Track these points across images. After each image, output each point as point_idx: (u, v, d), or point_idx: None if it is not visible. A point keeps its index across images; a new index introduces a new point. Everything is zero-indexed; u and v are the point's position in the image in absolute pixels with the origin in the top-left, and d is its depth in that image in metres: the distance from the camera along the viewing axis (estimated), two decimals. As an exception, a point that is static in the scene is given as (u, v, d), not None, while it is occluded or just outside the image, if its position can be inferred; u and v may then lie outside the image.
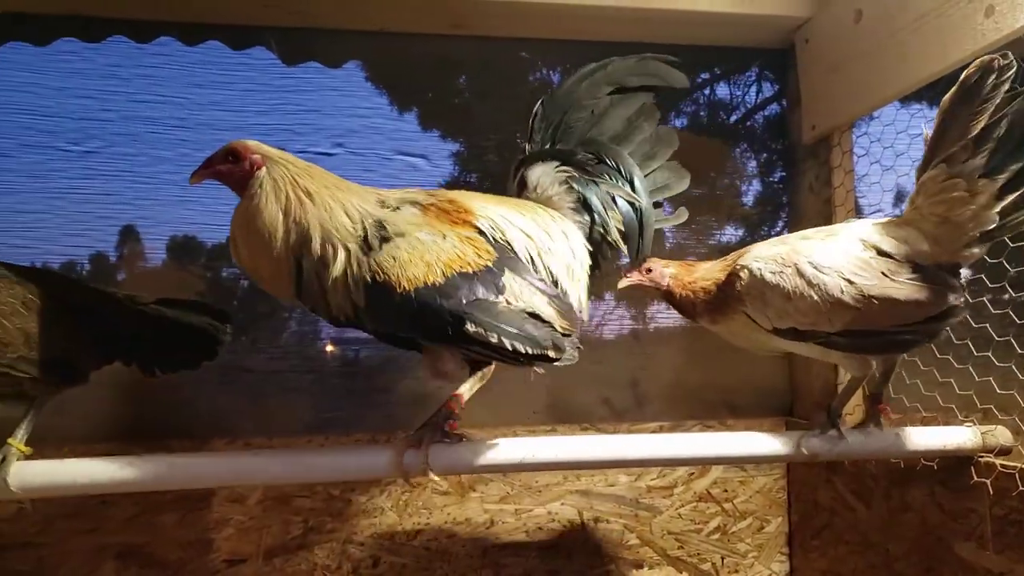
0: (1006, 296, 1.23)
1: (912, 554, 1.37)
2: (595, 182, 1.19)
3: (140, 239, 1.64)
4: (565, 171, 1.20)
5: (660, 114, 1.25)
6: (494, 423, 1.61)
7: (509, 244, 1.04)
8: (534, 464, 1.12)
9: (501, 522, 1.66)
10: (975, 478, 1.21)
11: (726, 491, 1.75)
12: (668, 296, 1.24)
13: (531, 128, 1.24)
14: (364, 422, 1.64)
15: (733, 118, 1.91)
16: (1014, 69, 0.97)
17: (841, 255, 1.09)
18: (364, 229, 0.97)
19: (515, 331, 0.94)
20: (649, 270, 1.23)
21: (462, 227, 1.02)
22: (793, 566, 1.75)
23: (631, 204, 1.19)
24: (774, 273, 1.10)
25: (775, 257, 1.12)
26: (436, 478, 1.05)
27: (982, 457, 1.22)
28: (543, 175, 1.20)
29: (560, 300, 1.03)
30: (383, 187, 1.08)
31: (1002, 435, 1.22)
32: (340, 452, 1.18)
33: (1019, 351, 1.19)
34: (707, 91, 1.90)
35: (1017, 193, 1.01)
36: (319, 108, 1.71)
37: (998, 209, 1.02)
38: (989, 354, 1.24)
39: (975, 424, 1.25)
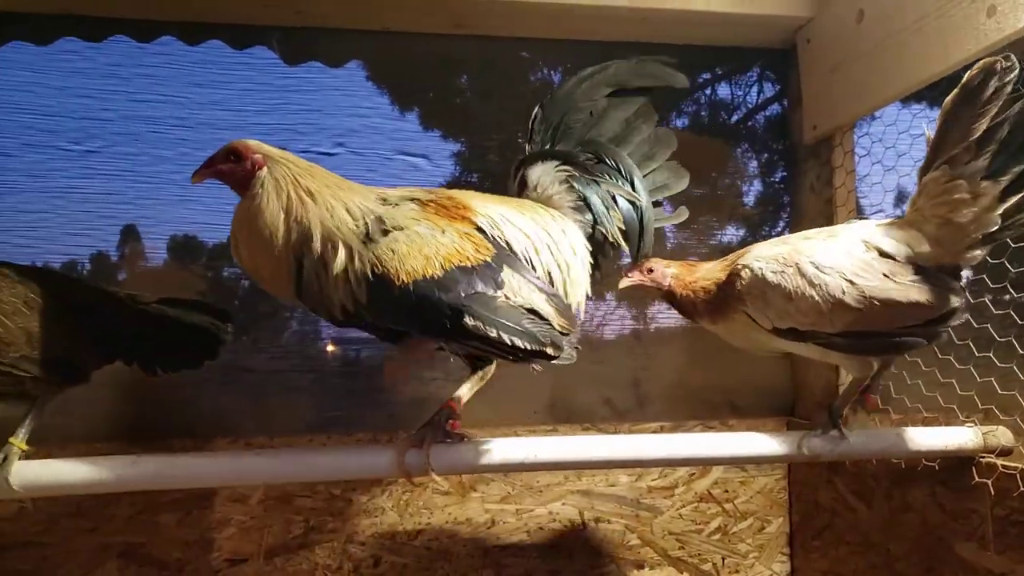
0: (1007, 297, 1.23)
1: (913, 554, 1.37)
2: (595, 181, 1.19)
3: (141, 238, 1.64)
4: (565, 170, 1.20)
5: (658, 115, 1.26)
6: (495, 423, 1.61)
7: (508, 242, 1.04)
8: (535, 464, 1.12)
9: (502, 522, 1.66)
10: (976, 478, 1.21)
11: (727, 491, 1.75)
12: (669, 296, 1.24)
13: (531, 129, 1.25)
14: (365, 422, 1.64)
15: (734, 118, 1.91)
16: (1017, 71, 0.97)
17: (843, 256, 1.08)
18: (366, 226, 0.98)
19: (514, 326, 0.94)
20: (650, 270, 1.23)
21: (461, 223, 1.02)
22: (794, 566, 1.75)
23: (631, 203, 1.19)
24: (775, 273, 1.10)
25: (776, 257, 1.12)
26: (438, 478, 1.05)
27: (983, 458, 1.22)
28: (543, 174, 1.20)
29: (558, 299, 1.03)
30: (384, 187, 1.08)
31: (1003, 436, 1.22)
32: (341, 452, 1.18)
33: (1020, 352, 1.19)
34: (708, 91, 1.90)
35: (1020, 195, 1.01)
36: (320, 108, 1.71)
37: (1000, 211, 1.01)
38: (990, 354, 1.24)
39: (976, 424, 1.25)
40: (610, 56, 1.28)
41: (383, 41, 1.72)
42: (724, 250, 1.62)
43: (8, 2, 1.53)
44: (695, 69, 1.87)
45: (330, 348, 1.70)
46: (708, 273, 1.21)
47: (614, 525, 1.71)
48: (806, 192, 1.77)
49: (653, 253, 1.24)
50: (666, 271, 1.23)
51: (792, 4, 1.66)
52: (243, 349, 1.63)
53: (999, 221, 1.02)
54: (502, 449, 1.10)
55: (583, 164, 1.20)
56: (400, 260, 0.94)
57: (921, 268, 1.06)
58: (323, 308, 0.99)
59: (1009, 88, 0.97)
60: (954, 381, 1.31)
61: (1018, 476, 1.14)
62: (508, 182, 1.26)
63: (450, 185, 1.76)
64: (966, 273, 1.10)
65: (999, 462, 1.19)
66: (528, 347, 0.95)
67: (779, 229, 1.89)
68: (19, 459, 1.02)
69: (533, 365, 0.99)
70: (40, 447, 1.07)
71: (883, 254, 1.08)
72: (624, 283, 1.24)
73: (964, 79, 0.99)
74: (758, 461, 1.66)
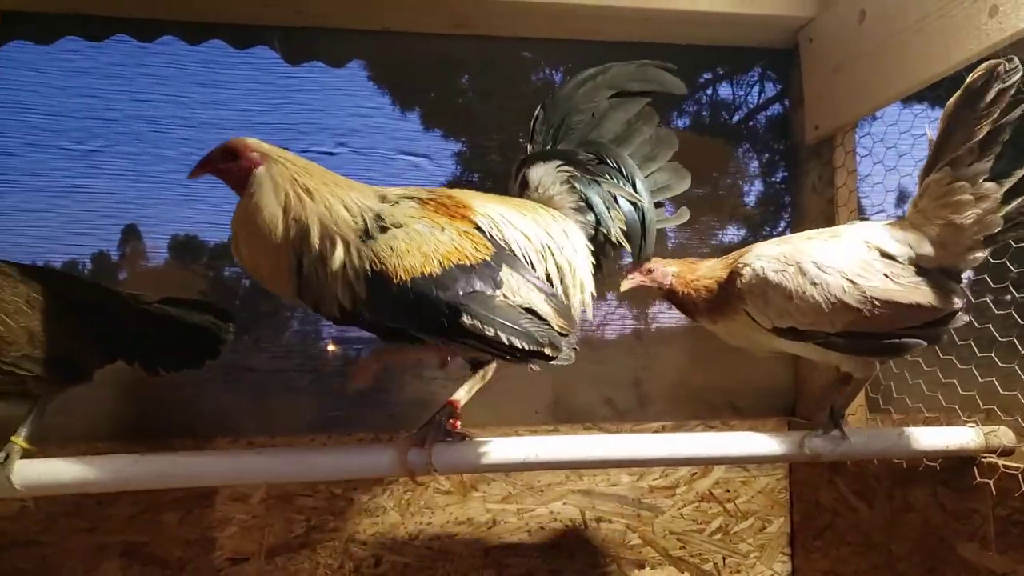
0: (1008, 297, 1.23)
1: (914, 554, 1.37)
2: (597, 182, 1.19)
3: (142, 238, 1.64)
4: (567, 171, 1.20)
5: (659, 117, 1.26)
6: (496, 423, 1.62)
7: (507, 242, 1.04)
8: (536, 463, 1.12)
9: (503, 522, 1.66)
10: (978, 479, 1.21)
11: (728, 491, 1.75)
12: (670, 295, 1.24)
13: (532, 130, 1.25)
14: (365, 421, 1.64)
15: (736, 118, 1.91)
16: (1020, 73, 0.97)
17: (844, 256, 1.08)
18: (364, 222, 0.98)
19: (512, 326, 0.94)
20: (650, 270, 1.23)
21: (461, 222, 1.02)
22: (795, 566, 1.75)
23: (633, 204, 1.19)
24: (776, 271, 1.10)
25: (778, 256, 1.12)
26: (440, 477, 1.05)
27: (985, 458, 1.22)
28: (545, 175, 1.20)
29: (558, 299, 1.03)
30: (384, 186, 1.08)
31: (1005, 436, 1.22)
32: (343, 451, 1.18)
33: (1022, 352, 1.19)
34: (710, 91, 1.90)
35: (1023, 197, 1.01)
36: (322, 107, 1.71)
37: (1003, 213, 1.02)
38: (992, 355, 1.24)
39: (978, 425, 1.25)
40: (612, 56, 1.28)
41: (384, 41, 1.72)
42: (725, 250, 1.62)
43: (13, 1, 1.53)
44: (697, 69, 1.87)
45: (331, 348, 1.70)
46: (709, 271, 1.21)
47: (615, 525, 1.71)
48: (807, 192, 1.77)
49: (654, 253, 1.23)
50: (666, 270, 1.23)
51: (794, 4, 1.66)
52: (244, 349, 1.63)
53: (1001, 223, 1.02)
54: (503, 448, 1.10)
55: (585, 164, 1.20)
56: (399, 257, 0.94)
57: (922, 269, 1.06)
58: (323, 305, 0.99)
59: (1012, 90, 0.97)
60: (955, 381, 1.31)
61: (1020, 476, 1.14)
62: (509, 182, 1.26)
63: (451, 185, 1.76)
64: (967, 274, 1.10)
65: (1001, 462, 1.19)
66: (526, 347, 0.95)
67: (780, 229, 1.89)
68: (21, 458, 1.02)
69: (531, 365, 0.99)
70: (41, 446, 1.07)
71: (884, 255, 1.08)
72: (626, 285, 1.24)
73: (967, 81, 0.99)
74: (759, 461, 1.66)
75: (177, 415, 1.58)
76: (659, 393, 1.79)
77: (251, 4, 1.57)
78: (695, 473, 1.74)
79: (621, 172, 1.21)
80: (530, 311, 0.97)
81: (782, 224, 1.90)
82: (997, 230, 1.03)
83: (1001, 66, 0.96)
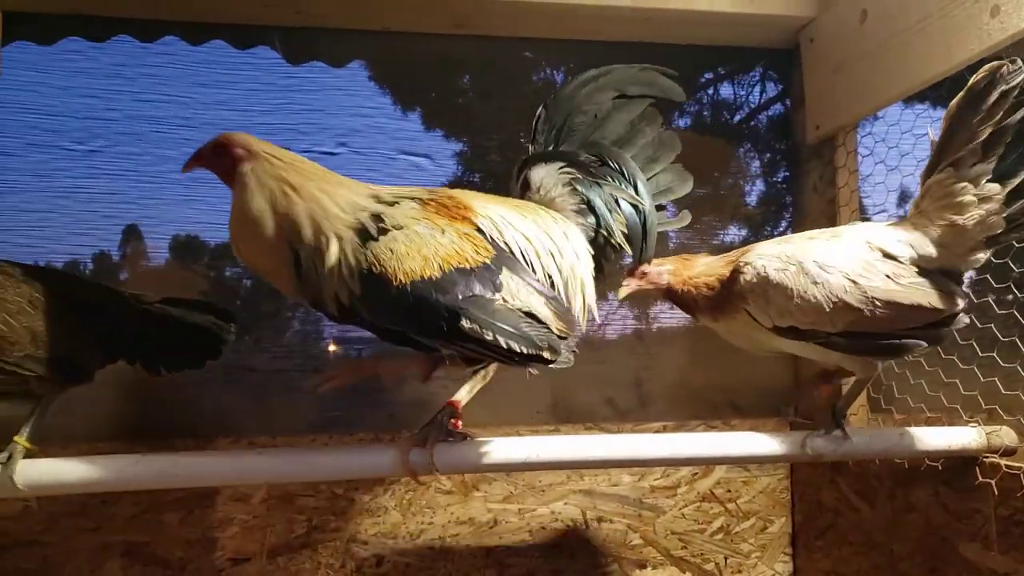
0: (1010, 297, 1.23)
1: (916, 554, 1.37)
2: (598, 184, 1.19)
3: (143, 238, 1.65)
4: (569, 173, 1.19)
5: (662, 118, 1.26)
6: (497, 423, 1.62)
7: (508, 244, 1.04)
8: (537, 463, 1.12)
9: (504, 521, 1.66)
10: (980, 478, 1.21)
11: (730, 491, 1.75)
12: (669, 293, 1.23)
13: (534, 130, 1.25)
14: (366, 422, 1.64)
15: (737, 118, 1.91)
16: (1023, 75, 0.97)
17: (846, 256, 1.08)
18: (359, 221, 0.97)
19: (511, 330, 0.94)
20: (644, 273, 1.22)
21: (461, 223, 1.02)
22: (796, 566, 1.75)
23: (634, 207, 1.19)
24: (778, 270, 1.10)
25: (779, 255, 1.12)
26: (441, 477, 1.05)
27: (987, 457, 1.22)
28: (547, 176, 1.20)
29: (557, 302, 1.03)
30: (383, 186, 1.08)
31: (1007, 435, 1.22)
32: (344, 451, 1.18)
33: (1024, 351, 1.19)
34: (711, 91, 1.90)
35: None
36: (323, 107, 1.71)
37: (1006, 214, 1.02)
38: (994, 354, 1.24)
39: (980, 424, 1.25)
40: (613, 56, 1.28)
41: (384, 41, 1.72)
42: (726, 250, 1.62)
43: (15, 2, 1.54)
44: (698, 69, 1.87)
45: (332, 348, 1.70)
46: (709, 269, 1.20)
47: (616, 525, 1.71)
48: (809, 192, 1.77)
49: (656, 254, 1.23)
50: (661, 269, 1.22)
51: (795, 4, 1.66)
52: (245, 349, 1.63)
53: (1004, 224, 1.02)
54: (505, 448, 1.10)
55: (587, 166, 1.20)
56: (398, 260, 0.94)
57: (924, 270, 1.06)
58: (321, 302, 0.99)
59: (1016, 92, 0.97)
60: (957, 381, 1.31)
61: (1022, 476, 1.14)
62: (510, 183, 1.26)
63: (452, 185, 1.76)
64: (969, 275, 1.10)
65: (1003, 462, 1.19)
66: (525, 351, 0.95)
67: (781, 229, 1.89)
68: (23, 458, 1.02)
69: (529, 369, 0.99)
70: (43, 446, 1.07)
71: (886, 255, 1.08)
72: (623, 292, 1.23)
73: (970, 82, 0.99)
74: (761, 461, 1.66)
75: (178, 415, 1.58)
76: (660, 393, 1.79)
77: (251, 4, 1.57)
78: (696, 473, 1.74)
79: (623, 174, 1.20)
80: (529, 315, 0.97)
81: (783, 224, 1.89)
82: (999, 231, 1.03)
83: (1004, 68, 0.97)
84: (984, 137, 0.99)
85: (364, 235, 0.96)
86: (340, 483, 1.59)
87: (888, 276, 1.05)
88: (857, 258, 1.08)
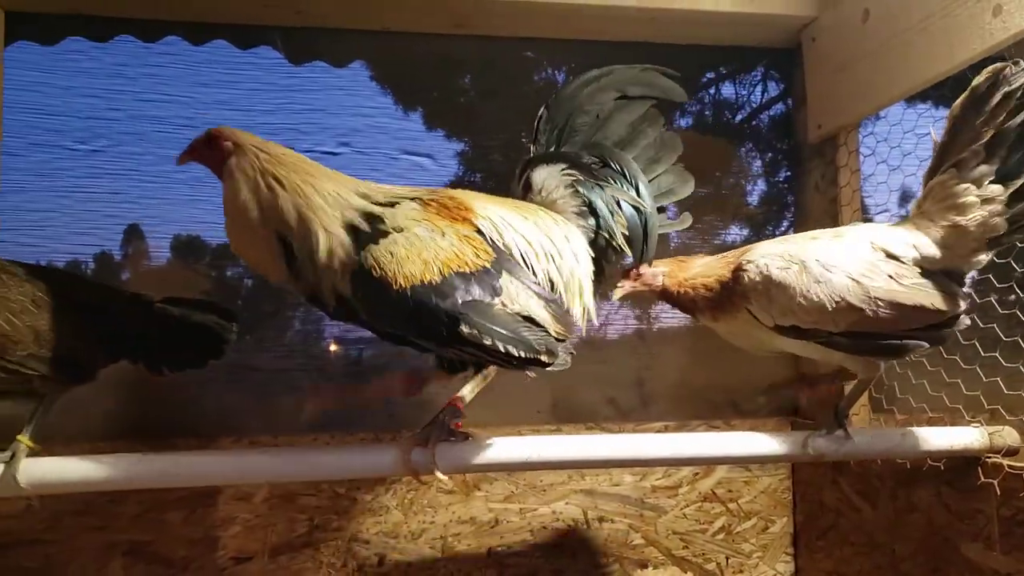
0: (1013, 297, 1.23)
1: (918, 555, 1.37)
2: (600, 186, 1.18)
3: (145, 238, 1.65)
4: (571, 175, 1.19)
5: (664, 119, 1.25)
6: (498, 423, 1.61)
7: (508, 246, 1.04)
8: (539, 463, 1.12)
9: (506, 521, 1.66)
10: (982, 479, 1.21)
11: (731, 491, 1.75)
12: (665, 294, 1.23)
13: (536, 130, 1.25)
14: (366, 421, 1.64)
15: (739, 117, 1.91)
16: None
17: (849, 255, 1.08)
18: (350, 218, 0.97)
19: (509, 334, 0.94)
20: (640, 274, 1.22)
21: (462, 224, 1.02)
22: (798, 567, 1.75)
23: (636, 209, 1.19)
24: (781, 269, 1.09)
25: (782, 254, 1.12)
26: (443, 477, 1.05)
27: (989, 458, 1.22)
28: (548, 177, 1.20)
29: (556, 304, 1.03)
30: (379, 184, 1.08)
31: (1009, 436, 1.22)
32: (346, 450, 1.18)
33: (1027, 351, 1.19)
34: (712, 90, 1.90)
35: None
36: (325, 107, 1.71)
37: (1008, 215, 1.02)
38: (996, 354, 1.24)
39: (982, 424, 1.24)
40: (615, 56, 1.28)
41: (384, 41, 1.72)
42: (727, 250, 1.62)
43: (16, 2, 1.54)
44: (700, 68, 1.87)
45: (333, 348, 1.71)
46: (707, 270, 1.20)
47: (618, 524, 1.71)
48: (810, 192, 1.76)
49: (657, 255, 1.23)
50: (656, 271, 1.22)
51: (797, 3, 1.66)
52: (247, 348, 1.63)
53: (1007, 225, 1.02)
54: (506, 448, 1.10)
55: (589, 168, 1.20)
56: (398, 264, 0.93)
57: (927, 271, 1.06)
58: (319, 296, 0.99)
59: (1019, 93, 0.97)
60: (960, 381, 1.31)
61: (1024, 476, 1.14)
62: (512, 183, 1.26)
63: (454, 184, 1.76)
64: (971, 274, 1.10)
65: (1005, 462, 1.19)
66: (523, 355, 0.95)
67: (783, 229, 1.89)
68: (26, 456, 1.02)
69: (527, 372, 0.99)
70: (46, 445, 1.07)
71: (889, 255, 1.08)
72: (617, 294, 1.24)
73: (973, 84, 0.99)
74: (762, 461, 1.65)
75: (181, 414, 1.58)
76: (662, 393, 1.79)
77: (252, 4, 1.58)
78: (698, 473, 1.74)
79: (625, 176, 1.20)
80: (528, 319, 0.97)
81: (785, 224, 1.89)
82: (1002, 232, 1.03)
83: (1007, 69, 0.97)
84: (987, 138, 0.99)
85: (358, 234, 0.96)
86: (342, 482, 1.59)
87: (891, 276, 1.05)
88: (860, 258, 1.08)
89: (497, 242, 1.03)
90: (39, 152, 1.60)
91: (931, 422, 1.34)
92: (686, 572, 1.72)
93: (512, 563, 1.65)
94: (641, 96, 1.24)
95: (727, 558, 1.74)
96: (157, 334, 1.23)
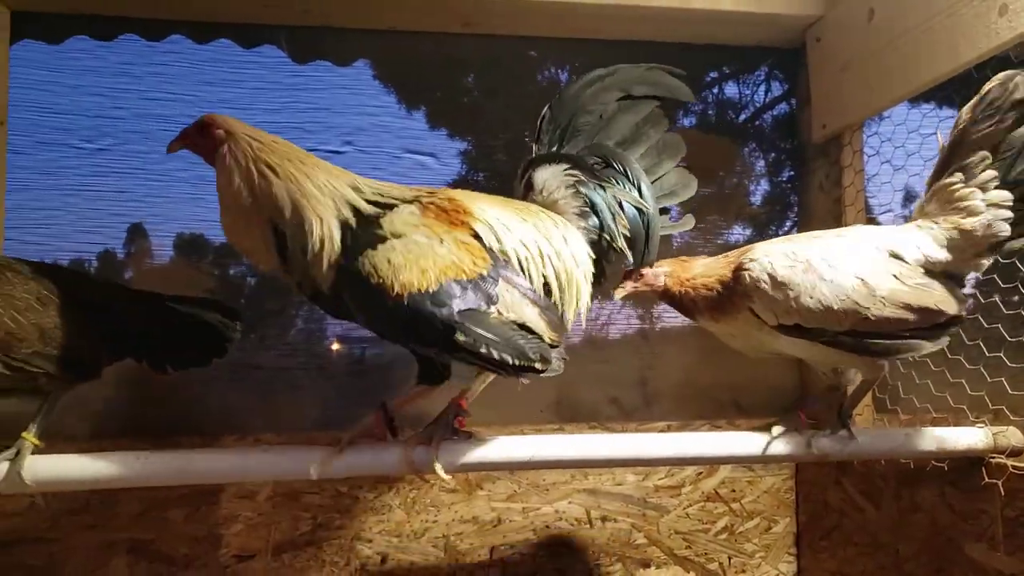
0: (1017, 297, 1.23)
1: (922, 555, 1.36)
2: (602, 186, 1.18)
3: (148, 236, 1.65)
4: (573, 175, 1.18)
5: (668, 120, 1.25)
6: (501, 422, 1.61)
7: (505, 252, 1.03)
8: (542, 462, 1.12)
9: (508, 520, 1.66)
10: (986, 479, 1.21)
11: (734, 491, 1.75)
12: (666, 295, 1.23)
13: (539, 130, 1.24)
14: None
15: (742, 117, 1.90)
16: None
17: (853, 255, 1.08)
18: (343, 213, 0.98)
19: (504, 343, 0.95)
20: (641, 275, 1.22)
21: (460, 229, 1.01)
22: (801, 567, 1.75)
23: (638, 210, 1.18)
24: (785, 268, 1.09)
25: (786, 252, 1.11)
26: (445, 476, 1.05)
27: (993, 458, 1.22)
28: (550, 178, 1.19)
29: (552, 311, 1.03)
30: (381, 182, 1.08)
31: (1014, 436, 1.22)
32: (349, 449, 1.18)
33: (1031, 352, 1.19)
34: (716, 90, 1.90)
35: None
36: (329, 106, 1.72)
37: (1013, 220, 1.03)
38: (1001, 355, 1.24)
39: (986, 425, 1.24)
40: (617, 55, 1.28)
41: (388, 40, 1.72)
42: (731, 250, 1.61)
43: (22, 1, 1.55)
44: (703, 68, 1.87)
45: (336, 347, 1.71)
46: (708, 270, 1.20)
47: (620, 524, 1.70)
48: (814, 191, 1.76)
49: (660, 255, 1.22)
50: (657, 271, 1.22)
51: (802, 2, 1.65)
52: (251, 347, 1.64)
53: (1010, 229, 1.03)
54: (509, 447, 1.10)
55: (591, 168, 1.19)
56: (395, 271, 0.93)
57: (930, 273, 1.07)
58: (316, 288, 0.99)
59: None
60: (964, 381, 1.31)
61: (1028, 477, 1.13)
62: (514, 183, 1.25)
63: (456, 184, 1.76)
64: (975, 275, 1.11)
65: (1009, 463, 1.18)
66: (517, 363, 0.95)
67: (787, 228, 1.89)
68: (31, 454, 1.03)
69: (521, 379, 0.99)
70: (50, 443, 1.07)
71: (893, 255, 1.08)
72: (619, 294, 1.23)
73: (982, 90, 1.01)
74: (765, 460, 1.64)
75: (184, 413, 1.59)
76: (665, 392, 1.79)
77: (256, 3, 1.58)
78: (701, 472, 1.73)
79: (627, 177, 1.19)
80: (523, 326, 0.98)
81: (788, 223, 1.89)
82: (1005, 236, 1.04)
83: (1018, 77, 0.98)
84: (994, 144, 1.00)
85: (352, 229, 0.97)
86: (345, 481, 1.59)
87: (896, 276, 1.05)
88: (864, 257, 1.08)
89: (494, 248, 1.03)
90: (45, 150, 1.61)
91: (935, 422, 1.34)
92: (689, 572, 1.72)
93: (514, 562, 1.65)
94: (646, 95, 1.23)
95: (730, 558, 1.73)
96: (161, 332, 1.23)
